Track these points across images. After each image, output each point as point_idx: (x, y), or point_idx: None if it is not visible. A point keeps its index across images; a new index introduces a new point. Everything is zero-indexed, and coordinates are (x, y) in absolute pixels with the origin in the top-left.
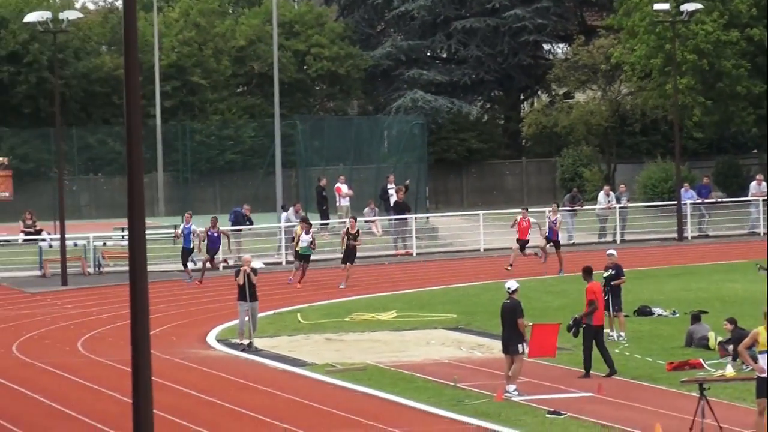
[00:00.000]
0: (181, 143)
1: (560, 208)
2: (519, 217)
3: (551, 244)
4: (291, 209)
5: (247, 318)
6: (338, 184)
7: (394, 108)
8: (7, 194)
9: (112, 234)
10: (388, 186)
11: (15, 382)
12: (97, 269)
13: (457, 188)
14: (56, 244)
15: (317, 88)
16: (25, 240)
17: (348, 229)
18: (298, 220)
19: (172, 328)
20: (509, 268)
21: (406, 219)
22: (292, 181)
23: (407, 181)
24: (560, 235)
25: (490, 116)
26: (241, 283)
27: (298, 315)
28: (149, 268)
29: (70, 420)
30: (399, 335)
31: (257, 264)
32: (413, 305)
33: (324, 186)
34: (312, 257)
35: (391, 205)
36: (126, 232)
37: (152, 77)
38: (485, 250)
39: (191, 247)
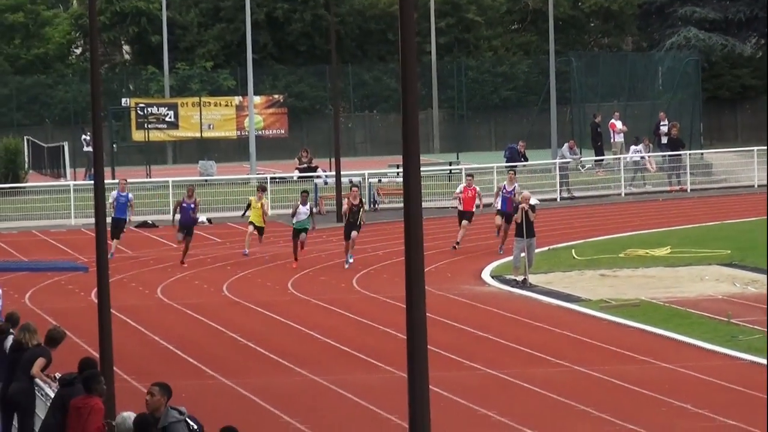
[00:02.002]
0: (455, 80)
1: None
2: (462, 185)
3: (503, 217)
4: (566, 146)
5: (522, 254)
6: (612, 120)
7: (667, 45)
8: (282, 131)
9: (387, 171)
10: (662, 122)
11: (290, 318)
12: (372, 206)
13: (731, 124)
14: (331, 181)
15: (591, 24)
16: (300, 177)
17: (349, 199)
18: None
19: (446, 264)
20: (457, 246)
21: (680, 155)
22: (567, 118)
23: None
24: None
25: (764, 52)
26: (519, 220)
27: (573, 251)
28: (423, 204)
29: (344, 356)
30: (673, 271)
31: (533, 201)
32: (687, 241)
33: (598, 122)
34: (579, 194)
35: (665, 141)
36: (401, 169)
37: (427, 14)
38: (759, 186)
39: (125, 218)
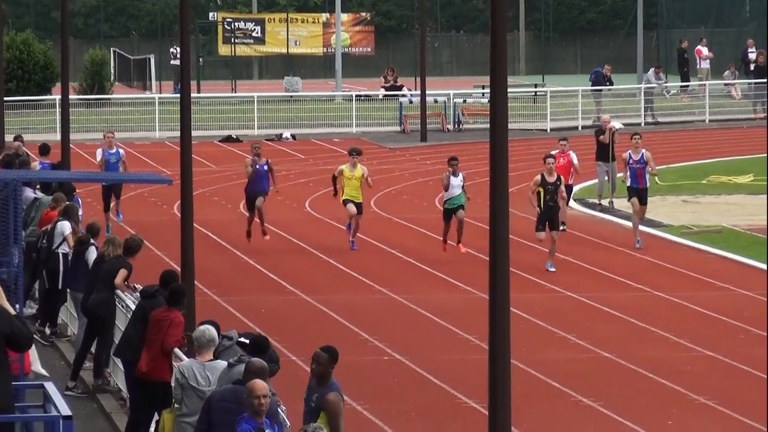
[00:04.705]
0: (543, 2)
1: None
2: (555, 152)
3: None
4: (651, 71)
5: (606, 178)
6: (699, 47)
7: None
8: (368, 50)
9: (472, 91)
10: (749, 50)
11: (372, 236)
12: (456, 126)
13: None
14: (416, 100)
15: None
16: (385, 96)
17: (544, 176)
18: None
19: (528, 186)
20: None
21: (766, 83)
22: (653, 43)
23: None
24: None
25: None
26: (606, 141)
27: (656, 177)
28: (508, 126)
29: (425, 275)
30: (755, 198)
31: (617, 125)
32: None
33: (685, 48)
34: (664, 120)
35: (751, 68)
36: (486, 90)
37: None
38: None
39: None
